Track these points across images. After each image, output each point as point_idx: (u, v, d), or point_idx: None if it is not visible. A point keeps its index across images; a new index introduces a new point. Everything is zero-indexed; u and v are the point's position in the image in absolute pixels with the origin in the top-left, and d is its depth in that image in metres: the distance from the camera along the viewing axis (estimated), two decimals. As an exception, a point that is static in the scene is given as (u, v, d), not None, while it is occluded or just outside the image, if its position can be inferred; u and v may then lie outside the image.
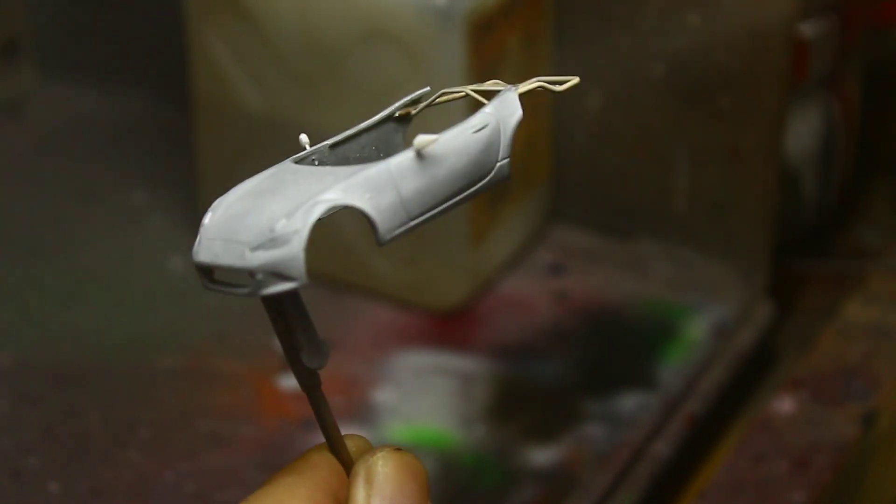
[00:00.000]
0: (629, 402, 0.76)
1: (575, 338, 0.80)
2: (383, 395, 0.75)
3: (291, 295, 0.40)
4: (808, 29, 0.84)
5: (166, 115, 0.98)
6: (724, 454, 0.75)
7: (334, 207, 0.38)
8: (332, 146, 0.42)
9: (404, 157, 0.39)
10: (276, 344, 0.79)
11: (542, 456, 0.73)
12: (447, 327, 0.81)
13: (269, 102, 0.81)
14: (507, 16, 0.79)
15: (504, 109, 0.42)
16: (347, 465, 0.43)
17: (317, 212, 0.38)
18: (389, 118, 0.43)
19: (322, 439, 0.43)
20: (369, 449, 0.44)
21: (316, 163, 0.42)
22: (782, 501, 0.69)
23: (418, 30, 0.75)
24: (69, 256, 0.86)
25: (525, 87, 0.42)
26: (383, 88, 0.77)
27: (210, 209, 0.40)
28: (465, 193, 0.41)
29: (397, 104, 0.43)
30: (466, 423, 0.75)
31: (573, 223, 0.88)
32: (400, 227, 0.39)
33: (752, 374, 0.81)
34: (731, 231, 0.83)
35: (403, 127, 0.44)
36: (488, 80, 0.77)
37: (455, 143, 0.40)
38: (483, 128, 0.41)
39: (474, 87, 0.43)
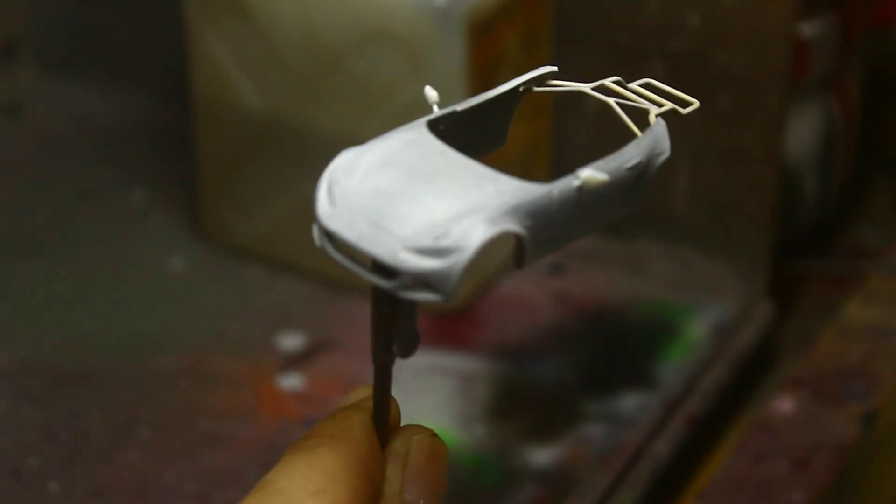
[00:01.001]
0: (629, 402, 0.76)
1: (575, 338, 0.80)
2: (383, 395, 0.75)
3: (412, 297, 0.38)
4: (808, 29, 0.84)
5: (166, 115, 0.98)
6: (724, 454, 0.75)
7: (501, 233, 0.37)
8: (460, 113, 0.41)
9: (567, 188, 0.38)
10: (277, 344, 0.79)
11: (542, 456, 0.73)
12: (447, 327, 0.81)
13: (269, 102, 0.81)
14: (507, 16, 0.79)
15: (656, 147, 0.41)
16: (385, 437, 0.43)
17: (486, 235, 0.36)
18: (516, 90, 0.42)
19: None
20: (398, 412, 0.44)
21: (442, 128, 0.40)
22: (782, 501, 0.69)
23: (418, 30, 0.75)
24: (69, 256, 0.86)
25: (661, 110, 0.42)
26: (383, 88, 0.77)
27: (342, 167, 0.38)
28: (601, 224, 0.40)
29: (523, 78, 0.42)
30: (466, 423, 0.75)
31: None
32: (542, 253, 0.38)
33: (752, 374, 0.81)
34: (731, 231, 0.83)
35: (518, 101, 0.43)
36: (489, 79, 0.77)
37: (614, 179, 0.40)
38: (636, 167, 0.40)
39: (602, 89, 0.42)
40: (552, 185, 0.38)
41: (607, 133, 0.85)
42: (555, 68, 0.42)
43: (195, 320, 0.82)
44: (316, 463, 0.40)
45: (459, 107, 0.41)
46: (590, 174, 0.38)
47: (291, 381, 0.77)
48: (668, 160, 0.83)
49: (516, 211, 0.37)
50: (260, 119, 0.82)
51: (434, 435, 0.43)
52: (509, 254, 0.92)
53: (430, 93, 0.41)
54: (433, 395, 0.76)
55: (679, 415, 0.75)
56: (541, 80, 0.42)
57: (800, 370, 0.78)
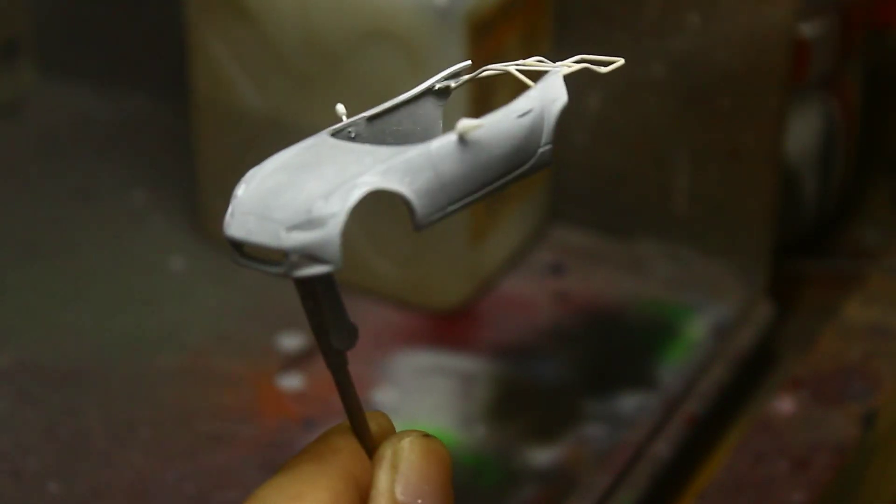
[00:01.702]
0: (629, 402, 0.76)
1: (575, 338, 0.80)
2: (383, 395, 0.75)
3: (324, 278, 0.39)
4: (808, 29, 0.84)
5: (166, 115, 0.98)
6: (724, 454, 0.75)
7: (373, 191, 0.37)
8: (370, 119, 0.42)
9: (446, 141, 0.38)
10: (277, 344, 0.79)
11: (542, 456, 0.73)
12: (447, 327, 0.81)
13: (269, 102, 0.81)
14: (507, 16, 0.79)
15: (548, 94, 0.41)
16: (370, 446, 0.42)
17: (355, 195, 0.37)
18: (428, 92, 0.42)
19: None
20: (392, 428, 0.43)
21: (353, 135, 0.41)
22: (782, 501, 0.69)
23: (418, 30, 0.75)
24: (69, 256, 0.86)
25: (569, 69, 0.41)
26: (383, 88, 0.77)
27: (243, 180, 0.39)
28: (505, 179, 0.40)
29: (437, 77, 0.42)
30: (466, 423, 0.75)
31: (573, 223, 0.88)
32: (438, 212, 0.38)
33: (752, 374, 0.81)
34: (731, 231, 0.83)
35: (442, 101, 0.43)
36: (489, 79, 0.77)
37: (498, 128, 0.39)
38: (527, 113, 0.40)
39: (517, 64, 0.42)
40: (431, 141, 0.38)
41: (608, 133, 0.85)
42: (468, 63, 0.42)
43: (195, 320, 0.82)
44: (297, 473, 0.40)
45: (367, 113, 0.42)
46: (465, 122, 0.38)
47: (291, 381, 0.77)
48: (666, 160, 0.83)
49: (392, 170, 0.38)
50: (260, 119, 0.82)
51: (427, 435, 0.42)
52: (507, 253, 0.92)
53: (340, 108, 0.42)
54: (433, 395, 0.76)
55: (679, 415, 0.75)
56: (456, 75, 0.42)
57: (800, 370, 0.78)
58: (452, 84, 0.41)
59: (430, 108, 0.43)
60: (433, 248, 0.81)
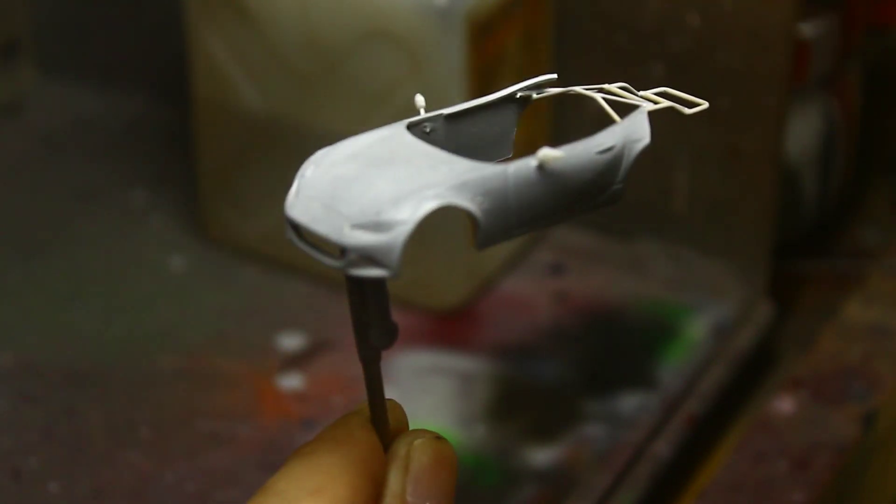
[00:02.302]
0: (629, 402, 0.76)
1: (575, 338, 0.80)
2: (383, 395, 0.75)
3: (377, 280, 0.39)
4: (808, 29, 0.84)
5: (166, 115, 0.98)
6: (724, 454, 0.75)
7: (444, 206, 0.37)
8: (448, 117, 0.41)
9: (524, 166, 0.38)
10: (277, 344, 0.79)
11: (542, 456, 0.73)
12: (447, 327, 0.81)
13: (269, 102, 0.81)
14: (507, 16, 0.79)
15: (633, 133, 0.40)
16: (386, 440, 0.42)
17: (426, 207, 0.37)
18: (509, 98, 0.42)
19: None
20: (406, 422, 0.44)
21: (428, 130, 0.41)
22: (782, 501, 0.69)
23: (418, 30, 0.75)
24: (69, 256, 0.86)
25: (655, 106, 0.41)
26: (383, 88, 0.77)
27: (312, 160, 0.39)
28: (573, 211, 0.39)
29: (521, 85, 0.42)
30: (466, 423, 0.75)
31: (573, 223, 0.88)
32: (502, 234, 0.38)
33: (752, 374, 0.81)
34: (731, 231, 0.83)
35: (520, 109, 0.42)
36: (489, 79, 0.78)
37: (578, 161, 0.39)
38: (609, 149, 0.40)
39: (603, 90, 0.42)
40: (510, 163, 0.38)
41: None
42: (554, 76, 0.42)
43: (195, 320, 0.82)
44: (315, 464, 0.40)
45: (447, 110, 0.41)
46: (547, 152, 0.38)
47: (291, 381, 0.77)
48: (666, 160, 0.83)
49: (466, 186, 0.37)
50: (260, 119, 0.82)
51: (439, 438, 0.43)
52: (507, 253, 0.92)
53: (419, 99, 0.41)
54: (433, 395, 0.76)
55: (679, 415, 0.75)
56: (540, 87, 0.42)
57: (800, 370, 0.78)
58: (535, 95, 0.40)
59: (508, 114, 0.42)
60: (433, 248, 0.81)
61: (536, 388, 0.77)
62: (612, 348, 0.80)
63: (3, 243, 0.88)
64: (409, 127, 0.40)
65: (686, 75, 0.80)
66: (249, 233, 0.86)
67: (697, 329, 0.81)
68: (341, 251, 0.38)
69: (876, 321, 0.81)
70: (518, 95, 0.41)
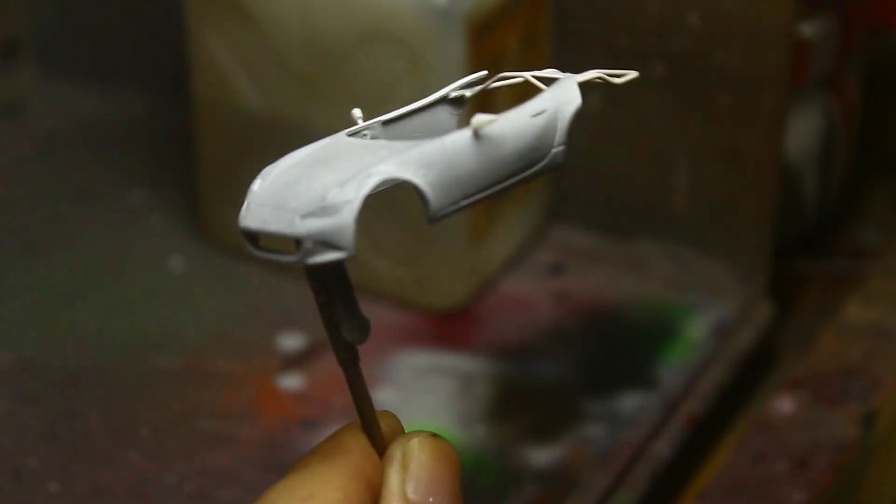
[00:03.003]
0: (629, 402, 0.76)
1: (575, 338, 0.80)
2: (383, 395, 0.75)
3: (336, 267, 0.40)
4: (808, 29, 0.84)
5: (166, 115, 0.98)
6: (724, 454, 0.75)
7: (387, 180, 0.38)
8: (385, 123, 0.42)
9: (461, 136, 0.39)
10: (277, 344, 0.79)
11: (542, 456, 0.73)
12: (447, 327, 0.81)
13: (269, 102, 0.81)
14: (507, 16, 0.79)
15: (562, 96, 0.41)
16: (380, 445, 0.42)
17: (370, 183, 0.38)
18: (443, 100, 0.43)
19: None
20: (401, 429, 0.43)
21: (368, 137, 0.42)
22: (782, 501, 0.69)
23: (418, 30, 0.75)
24: (69, 256, 0.86)
25: (584, 77, 0.42)
26: (383, 88, 0.77)
27: (259, 175, 0.40)
28: (518, 178, 0.40)
29: (453, 85, 0.43)
30: (466, 423, 0.75)
31: (573, 223, 0.88)
32: (451, 205, 0.39)
33: (752, 374, 0.81)
34: (731, 231, 0.83)
35: (457, 110, 0.43)
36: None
37: (513, 125, 0.40)
38: (541, 113, 0.41)
39: (533, 73, 0.43)
40: (447, 136, 0.39)
41: (608, 133, 0.85)
42: (484, 73, 0.43)
43: (195, 320, 0.82)
44: (307, 473, 0.41)
45: (384, 117, 0.42)
46: (480, 118, 0.39)
47: (291, 381, 0.77)
48: (666, 160, 0.83)
49: (407, 162, 0.38)
50: (260, 119, 0.82)
51: (435, 435, 0.42)
52: (507, 253, 0.92)
53: (356, 112, 0.43)
54: (433, 395, 0.76)
55: (679, 415, 0.75)
56: (471, 85, 0.43)
57: (800, 370, 0.78)
58: (467, 93, 0.41)
59: (445, 116, 0.43)
60: (433, 248, 0.81)
61: (536, 388, 0.77)
62: (612, 348, 0.80)
63: (3, 243, 0.88)
64: (350, 136, 0.42)
65: (686, 75, 0.80)
66: (249, 233, 0.85)
67: (697, 329, 0.81)
68: (297, 244, 0.38)
69: (876, 321, 0.81)
70: (451, 96, 0.42)
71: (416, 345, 0.80)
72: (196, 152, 0.86)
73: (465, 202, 0.39)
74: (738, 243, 0.83)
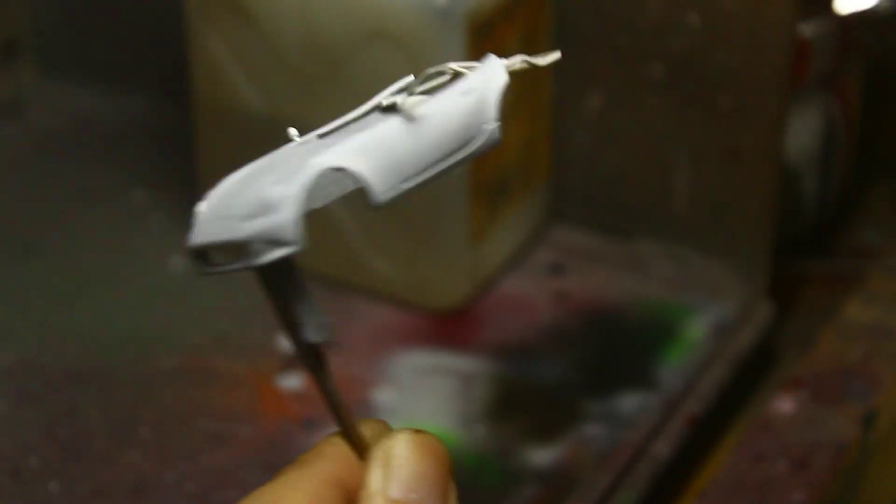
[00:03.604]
0: (629, 402, 0.76)
1: (575, 338, 0.80)
2: (383, 395, 0.75)
3: (288, 267, 0.39)
4: (808, 29, 0.84)
5: (166, 115, 0.98)
6: (724, 454, 0.75)
7: (326, 171, 0.38)
8: (321, 136, 0.42)
9: (393, 121, 0.40)
10: (277, 344, 0.79)
11: (542, 456, 0.73)
12: (447, 327, 0.81)
13: (269, 102, 0.81)
14: (507, 16, 0.79)
15: (489, 75, 0.42)
16: (361, 448, 0.42)
17: (309, 175, 0.38)
18: (376, 108, 0.43)
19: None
20: (385, 428, 0.43)
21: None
22: (782, 501, 0.69)
23: (418, 30, 0.75)
24: (69, 256, 0.86)
25: (509, 61, 0.42)
26: (383, 88, 0.77)
27: (204, 198, 0.40)
28: (457, 157, 0.41)
29: (383, 94, 0.43)
30: (466, 423, 0.75)
31: (573, 223, 0.88)
32: (392, 189, 0.39)
33: (752, 374, 0.81)
34: (731, 231, 0.83)
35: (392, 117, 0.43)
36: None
37: (442, 105, 0.40)
38: (469, 92, 0.41)
39: (458, 63, 0.43)
40: (378, 122, 0.40)
41: (608, 133, 0.85)
42: (411, 77, 0.43)
43: (195, 320, 0.82)
44: (279, 480, 0.40)
45: (320, 130, 0.42)
46: (409, 100, 0.40)
47: (291, 381, 0.77)
48: (666, 160, 0.83)
49: (343, 151, 0.38)
50: (260, 119, 0.82)
51: (419, 431, 0.41)
52: (507, 253, 0.92)
53: (292, 131, 0.43)
54: (433, 395, 0.76)
55: (679, 415, 0.75)
56: (404, 90, 0.43)
57: (800, 370, 0.78)
58: (399, 100, 0.41)
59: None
60: (433, 248, 0.81)
61: (536, 388, 0.77)
62: (612, 348, 0.80)
63: (3, 243, 0.88)
64: None
65: (686, 75, 0.80)
66: (249, 233, 0.85)
67: (697, 329, 0.81)
68: (245, 250, 0.38)
69: (876, 321, 0.81)
70: (384, 104, 0.42)
71: (416, 345, 0.80)
72: (196, 152, 0.86)
73: (406, 185, 0.39)
74: (738, 243, 0.83)
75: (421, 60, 0.76)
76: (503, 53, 0.43)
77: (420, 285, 0.82)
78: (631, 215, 0.86)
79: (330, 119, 0.43)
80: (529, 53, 0.43)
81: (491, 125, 0.41)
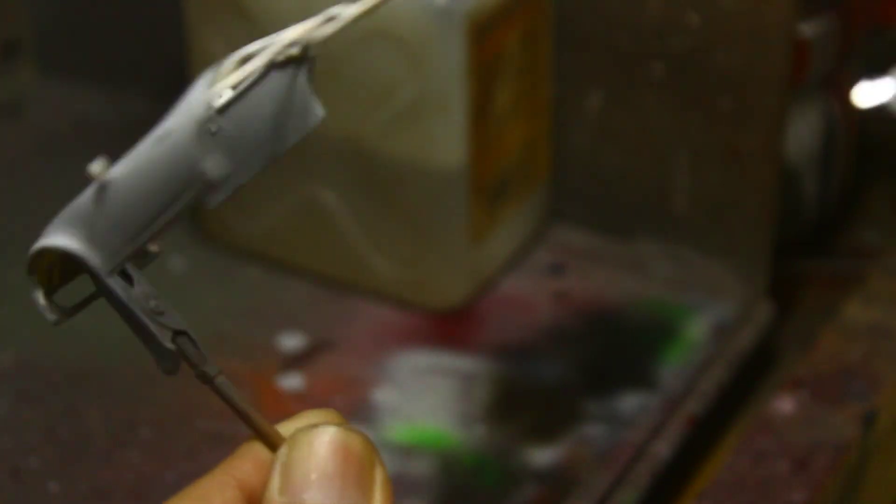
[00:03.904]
0: (629, 402, 0.76)
1: (575, 338, 0.80)
2: (383, 395, 0.75)
3: (108, 293, 0.39)
4: (808, 29, 0.84)
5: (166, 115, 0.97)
6: (724, 454, 0.75)
7: (43, 252, 0.38)
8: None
9: (89, 190, 0.39)
10: (277, 344, 0.79)
11: (542, 456, 0.73)
12: (447, 327, 0.81)
13: (269, 102, 0.81)
14: (507, 16, 0.79)
15: (186, 112, 0.39)
16: (277, 448, 0.41)
17: (33, 248, 0.38)
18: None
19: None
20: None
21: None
22: (782, 501, 0.69)
23: (418, 30, 0.75)
24: (69, 256, 0.86)
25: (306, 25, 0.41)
26: (383, 88, 0.77)
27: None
28: (179, 204, 0.39)
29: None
30: (466, 423, 0.75)
31: (573, 223, 0.88)
32: (116, 255, 0.38)
33: (752, 374, 0.81)
34: (731, 231, 0.83)
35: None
36: (489, 79, 0.77)
37: (134, 160, 0.39)
38: (164, 138, 0.39)
39: (259, 42, 0.41)
40: (82, 194, 0.39)
41: (608, 133, 0.85)
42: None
43: (195, 320, 0.81)
44: (189, 488, 0.40)
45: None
46: (94, 165, 0.40)
47: (291, 381, 0.77)
48: (666, 160, 0.83)
49: (53, 229, 0.38)
50: (260, 119, 0.82)
51: (339, 425, 0.39)
52: (507, 253, 0.92)
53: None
54: (433, 394, 0.76)
55: (679, 415, 0.75)
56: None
57: (800, 370, 0.78)
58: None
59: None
60: (433, 248, 0.81)
61: (536, 388, 0.77)
62: (612, 348, 0.80)
63: (3, 243, 0.88)
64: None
65: (686, 75, 0.80)
66: (249, 233, 0.85)
67: (697, 329, 0.81)
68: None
69: (876, 321, 0.81)
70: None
71: (416, 345, 0.80)
72: (196, 152, 0.86)
73: (132, 247, 0.38)
74: (738, 243, 0.83)
75: (421, 60, 0.76)
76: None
77: (420, 285, 0.82)
78: (631, 215, 0.86)
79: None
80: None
81: (209, 162, 0.38)
